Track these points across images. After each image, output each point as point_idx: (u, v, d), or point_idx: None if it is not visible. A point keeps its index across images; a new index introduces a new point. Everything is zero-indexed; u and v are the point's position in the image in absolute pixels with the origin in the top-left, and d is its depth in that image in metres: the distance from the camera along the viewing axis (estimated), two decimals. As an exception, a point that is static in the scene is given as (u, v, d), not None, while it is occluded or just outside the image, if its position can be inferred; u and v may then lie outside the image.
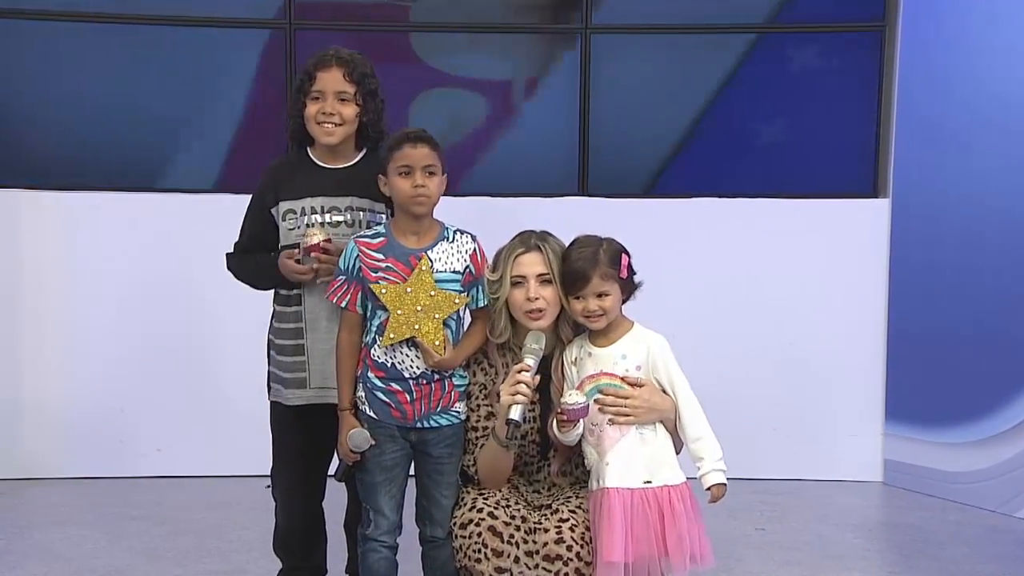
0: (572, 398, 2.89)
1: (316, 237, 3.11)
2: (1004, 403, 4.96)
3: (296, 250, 3.14)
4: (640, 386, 2.99)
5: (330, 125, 3.20)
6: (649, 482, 2.94)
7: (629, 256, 3.06)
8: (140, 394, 5.38)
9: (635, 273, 3.06)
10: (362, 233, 3.10)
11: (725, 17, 5.64)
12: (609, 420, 2.96)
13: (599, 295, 2.98)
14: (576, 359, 3.07)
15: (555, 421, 2.95)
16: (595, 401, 2.97)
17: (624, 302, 3.05)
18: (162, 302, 5.36)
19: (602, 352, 3.03)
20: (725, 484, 2.98)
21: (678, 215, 5.49)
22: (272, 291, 3.34)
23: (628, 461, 2.95)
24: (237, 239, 3.37)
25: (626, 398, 2.97)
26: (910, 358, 5.37)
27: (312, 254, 3.11)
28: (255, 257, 3.32)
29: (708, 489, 2.98)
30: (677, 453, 3.05)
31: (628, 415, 2.96)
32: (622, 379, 2.99)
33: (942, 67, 5.24)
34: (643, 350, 3.03)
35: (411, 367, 3.03)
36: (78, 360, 5.37)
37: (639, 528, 2.89)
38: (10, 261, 5.35)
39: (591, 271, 2.97)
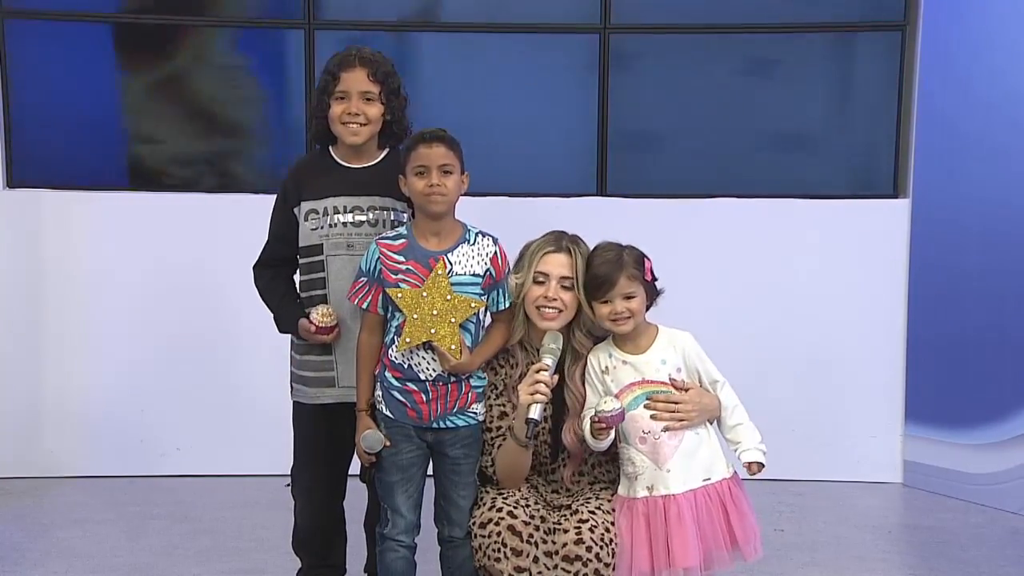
0: (608, 405, 2.89)
1: (326, 318, 3.14)
2: (1025, 404, 4.94)
3: (313, 321, 3.16)
4: (687, 389, 3.02)
5: (355, 125, 3.20)
6: (708, 479, 3.00)
7: (651, 261, 3.08)
8: (160, 393, 5.39)
9: (656, 279, 3.08)
10: (384, 235, 3.10)
11: (746, 16, 5.62)
12: (664, 428, 2.97)
13: (626, 297, 3.00)
14: (607, 368, 3.06)
15: (589, 428, 2.96)
16: (646, 408, 2.99)
17: (647, 308, 3.07)
18: (182, 302, 5.37)
19: (639, 359, 3.04)
20: (763, 464, 3.02)
21: (697, 215, 5.47)
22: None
23: (688, 464, 2.98)
24: (266, 239, 3.37)
25: (677, 403, 2.99)
26: (930, 359, 5.34)
27: (327, 335, 3.16)
28: (279, 295, 3.30)
29: (746, 465, 3.02)
30: None
31: (682, 419, 2.98)
32: (671, 384, 3.02)
33: (963, 67, 5.21)
34: (679, 352, 3.06)
35: (427, 370, 3.03)
36: (99, 360, 5.38)
37: (706, 526, 2.94)
38: (32, 261, 5.37)
39: (617, 273, 2.99)
